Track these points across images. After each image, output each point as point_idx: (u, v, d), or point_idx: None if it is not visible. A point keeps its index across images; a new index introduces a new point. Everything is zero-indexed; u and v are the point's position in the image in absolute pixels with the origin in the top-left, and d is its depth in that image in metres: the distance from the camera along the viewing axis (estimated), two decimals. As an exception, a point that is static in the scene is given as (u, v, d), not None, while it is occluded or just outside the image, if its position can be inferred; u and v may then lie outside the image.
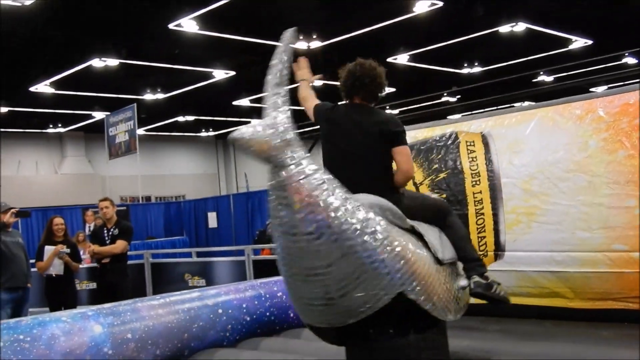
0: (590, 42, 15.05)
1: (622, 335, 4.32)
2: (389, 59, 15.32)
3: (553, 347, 4.17)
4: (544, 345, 4.21)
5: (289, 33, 3.25)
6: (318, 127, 3.70)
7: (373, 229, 2.86)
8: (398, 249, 2.93)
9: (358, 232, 2.81)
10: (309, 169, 2.79)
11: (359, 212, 2.85)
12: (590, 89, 18.97)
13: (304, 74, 3.88)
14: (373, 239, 2.85)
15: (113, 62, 13.63)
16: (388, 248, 2.89)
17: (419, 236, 3.27)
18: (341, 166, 3.33)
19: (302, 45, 13.30)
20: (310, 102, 3.75)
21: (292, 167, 2.76)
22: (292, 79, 3.37)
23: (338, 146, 3.50)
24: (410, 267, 2.97)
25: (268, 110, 2.91)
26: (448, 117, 21.94)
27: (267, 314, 5.33)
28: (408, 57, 15.35)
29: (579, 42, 15.08)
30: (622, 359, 3.77)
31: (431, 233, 3.41)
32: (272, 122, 2.84)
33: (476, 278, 3.47)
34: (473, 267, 3.53)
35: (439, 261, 3.26)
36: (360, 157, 3.43)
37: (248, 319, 5.21)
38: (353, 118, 3.51)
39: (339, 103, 3.67)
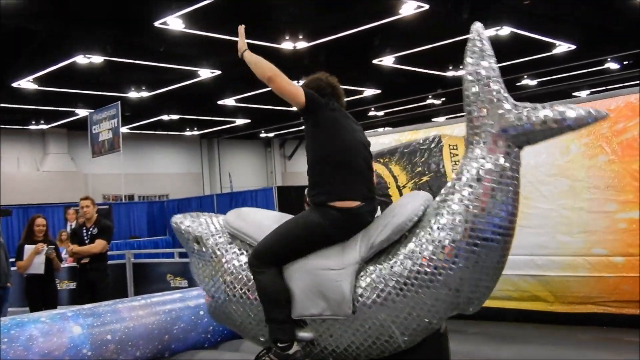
0: (573, 47, 15.18)
1: (601, 339, 4.37)
2: (375, 61, 15.34)
3: (533, 349, 4.21)
4: (524, 348, 4.25)
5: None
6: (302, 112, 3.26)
7: None
8: None
9: None
10: None
11: None
12: (573, 93, 19.23)
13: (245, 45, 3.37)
14: None
15: (97, 58, 13.51)
16: None
17: None
18: (369, 164, 3.37)
19: (288, 45, 13.29)
20: (284, 76, 3.19)
21: None
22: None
23: (360, 141, 3.36)
24: None
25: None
26: (433, 119, 22.26)
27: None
28: (394, 59, 15.37)
29: (562, 47, 15.19)
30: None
31: None
32: None
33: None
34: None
35: None
36: (368, 160, 3.39)
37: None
38: (353, 121, 3.44)
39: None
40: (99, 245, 6.79)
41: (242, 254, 3.42)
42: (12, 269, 7.18)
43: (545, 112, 2.89)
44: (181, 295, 5.22)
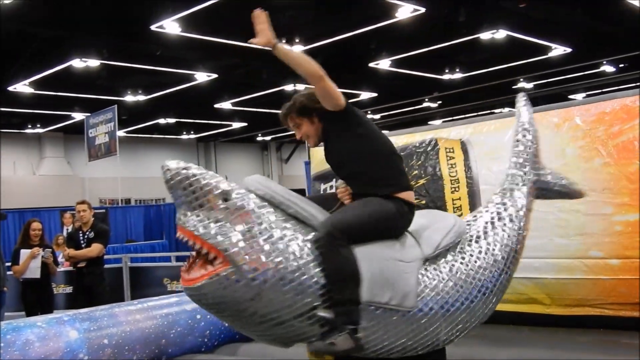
0: (569, 50, 15.23)
1: (598, 341, 4.37)
2: (371, 64, 15.36)
3: (529, 352, 4.21)
4: (521, 351, 4.25)
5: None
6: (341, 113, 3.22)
7: None
8: None
9: None
10: None
11: None
12: (569, 96, 19.28)
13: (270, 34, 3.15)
14: None
15: (94, 62, 13.51)
16: None
17: None
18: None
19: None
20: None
21: None
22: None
23: None
24: None
25: None
26: (429, 122, 22.29)
27: (246, 319, 5.29)
28: (390, 62, 15.40)
29: (558, 50, 15.24)
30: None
31: None
32: None
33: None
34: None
35: None
36: None
37: (227, 324, 5.18)
38: None
39: None
40: (95, 249, 6.78)
41: (288, 225, 2.97)
42: (8, 273, 7.17)
43: (564, 179, 4.06)
44: (178, 299, 5.21)
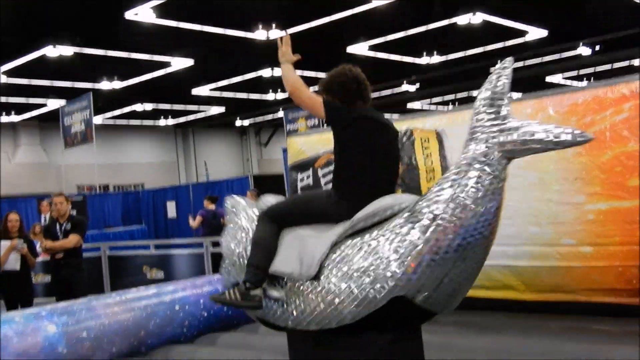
0: (545, 32, 15.35)
1: (569, 328, 4.48)
2: (349, 49, 15.34)
3: (505, 339, 4.31)
4: (497, 338, 4.34)
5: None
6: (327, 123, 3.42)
7: None
8: None
9: None
10: None
11: None
12: (546, 78, 19.47)
13: (289, 55, 3.52)
14: None
15: (68, 50, 13.32)
16: None
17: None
18: (383, 164, 3.34)
19: (261, 35, 13.22)
20: (308, 91, 3.35)
21: None
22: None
23: (379, 144, 3.35)
24: None
25: None
26: (408, 105, 22.24)
27: (225, 309, 5.33)
28: (367, 47, 15.40)
29: (535, 33, 15.37)
30: (567, 351, 3.91)
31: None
32: None
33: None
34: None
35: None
36: (396, 157, 3.48)
37: (205, 314, 5.23)
38: (382, 119, 3.44)
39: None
40: (72, 239, 6.74)
41: None
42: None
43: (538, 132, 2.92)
44: (156, 291, 5.24)
